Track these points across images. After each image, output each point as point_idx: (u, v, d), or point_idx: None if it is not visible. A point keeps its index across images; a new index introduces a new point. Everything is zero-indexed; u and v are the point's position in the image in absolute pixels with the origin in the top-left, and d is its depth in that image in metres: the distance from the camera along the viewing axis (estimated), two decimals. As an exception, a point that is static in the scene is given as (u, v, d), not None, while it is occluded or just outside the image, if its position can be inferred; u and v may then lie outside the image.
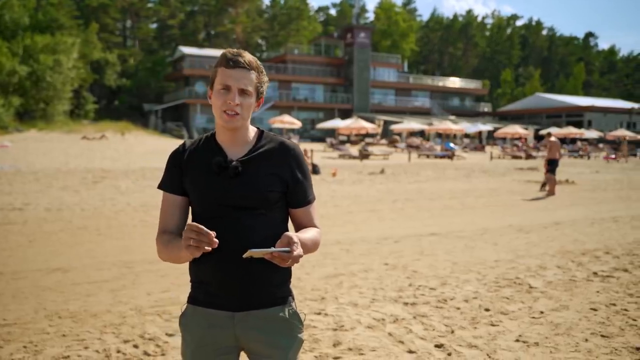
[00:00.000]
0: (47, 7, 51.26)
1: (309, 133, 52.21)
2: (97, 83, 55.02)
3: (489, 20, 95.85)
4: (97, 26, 55.03)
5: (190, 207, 1.94)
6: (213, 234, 1.63)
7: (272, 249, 1.63)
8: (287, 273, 1.92)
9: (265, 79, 1.90)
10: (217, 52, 55.77)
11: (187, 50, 55.55)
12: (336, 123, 42.58)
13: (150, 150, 29.73)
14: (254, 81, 1.84)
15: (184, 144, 1.95)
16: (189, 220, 1.89)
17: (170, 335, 4.08)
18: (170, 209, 1.93)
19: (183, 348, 1.93)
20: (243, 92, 1.81)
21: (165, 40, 69.04)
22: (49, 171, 17.16)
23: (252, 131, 1.93)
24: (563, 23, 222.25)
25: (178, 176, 1.90)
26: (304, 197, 1.91)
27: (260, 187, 1.82)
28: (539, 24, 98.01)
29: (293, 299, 1.94)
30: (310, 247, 1.82)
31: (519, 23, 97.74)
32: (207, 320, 1.86)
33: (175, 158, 1.93)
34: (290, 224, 1.97)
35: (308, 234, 1.84)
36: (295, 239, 1.66)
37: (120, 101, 58.24)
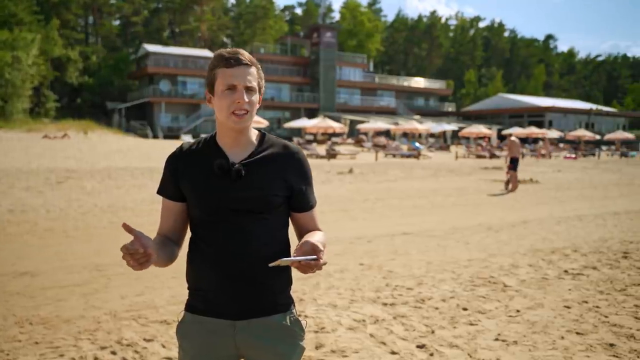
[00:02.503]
0: (5, 1, 49.65)
1: (276, 132, 52.02)
2: (58, 80, 53.68)
3: (453, 22, 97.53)
4: (58, 22, 53.66)
5: (189, 212, 1.87)
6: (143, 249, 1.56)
7: (300, 257, 1.60)
8: (288, 280, 1.88)
9: (262, 74, 1.87)
10: (182, 50, 55.21)
11: (151, 48, 54.67)
12: (303, 122, 42.58)
13: (115, 149, 29.15)
14: (256, 76, 1.81)
15: (181, 146, 1.89)
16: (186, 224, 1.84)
17: (149, 340, 3.99)
18: (166, 214, 1.89)
19: (181, 356, 1.87)
20: (249, 89, 1.77)
21: (129, 38, 67.88)
22: (10, 171, 16.63)
23: (254, 133, 1.88)
24: (524, 25, 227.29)
25: (174, 181, 1.84)
26: (308, 201, 1.88)
27: (264, 191, 1.77)
28: (501, 25, 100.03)
29: (294, 305, 1.90)
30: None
31: (481, 25, 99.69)
32: (206, 328, 1.81)
33: (172, 161, 1.87)
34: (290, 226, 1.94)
35: (318, 237, 1.79)
36: (321, 247, 1.61)
37: (83, 99, 56.93)
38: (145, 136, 46.76)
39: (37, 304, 4.87)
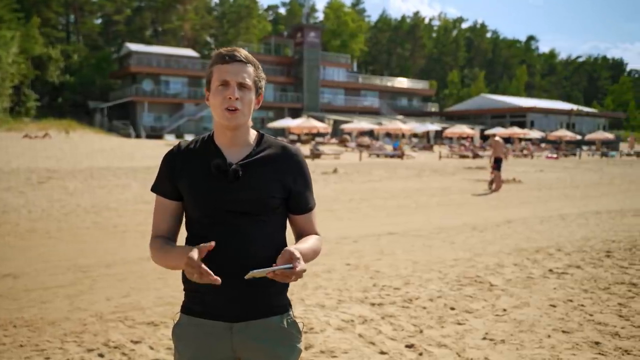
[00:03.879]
0: (-17, -1, 48.97)
1: (260, 132, 51.80)
2: (38, 79, 52.85)
3: (436, 23, 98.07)
4: (39, 20, 52.92)
5: (184, 212, 1.85)
6: (217, 279, 1.59)
7: (274, 267, 1.57)
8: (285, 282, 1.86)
9: (263, 74, 1.83)
10: (165, 50, 54.80)
11: (133, 47, 54.22)
12: (287, 122, 42.47)
13: (97, 149, 28.87)
14: (252, 75, 1.77)
15: (179, 145, 1.86)
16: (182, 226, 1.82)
17: (136, 342, 3.95)
18: (162, 214, 1.85)
19: (176, 358, 1.85)
20: (242, 86, 1.74)
21: (111, 37, 67.16)
22: (-11, 171, 16.38)
23: (252, 133, 1.86)
24: (506, 26, 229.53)
25: (171, 179, 1.82)
26: (306, 204, 1.86)
27: (261, 193, 1.75)
28: (483, 26, 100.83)
29: (291, 307, 1.89)
30: (310, 257, 1.77)
31: (464, 25, 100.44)
32: (203, 330, 1.79)
33: (169, 160, 1.84)
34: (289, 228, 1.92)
35: (307, 243, 1.78)
36: (297, 254, 1.59)
37: (64, 98, 56.17)
38: (127, 136, 46.33)
39: (21, 306, 4.80)
